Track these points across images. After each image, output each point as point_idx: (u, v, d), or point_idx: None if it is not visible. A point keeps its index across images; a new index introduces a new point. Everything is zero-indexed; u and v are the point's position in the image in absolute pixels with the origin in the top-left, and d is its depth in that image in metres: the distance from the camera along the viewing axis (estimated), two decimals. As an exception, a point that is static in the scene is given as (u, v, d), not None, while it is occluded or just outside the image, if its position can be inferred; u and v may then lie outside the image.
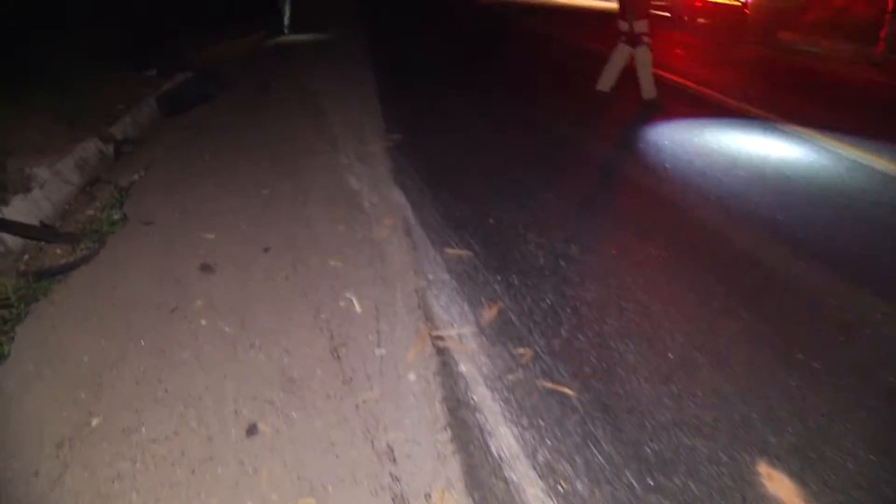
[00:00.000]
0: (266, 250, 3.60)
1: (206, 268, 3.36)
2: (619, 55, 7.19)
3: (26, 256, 3.78)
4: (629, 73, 7.13)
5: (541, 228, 3.97)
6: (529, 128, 6.32)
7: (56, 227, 4.11)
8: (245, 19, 12.25)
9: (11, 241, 3.83)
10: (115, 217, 4.11)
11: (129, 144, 5.46)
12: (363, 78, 8.33)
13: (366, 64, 9.32)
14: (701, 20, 15.84)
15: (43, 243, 3.86)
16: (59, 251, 3.83)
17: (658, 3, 17.90)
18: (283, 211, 4.16)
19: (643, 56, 7.01)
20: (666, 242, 3.84)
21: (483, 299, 3.19)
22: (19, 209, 4.04)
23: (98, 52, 7.25)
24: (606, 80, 7.34)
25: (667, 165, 5.18)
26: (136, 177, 4.77)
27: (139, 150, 5.43)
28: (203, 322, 2.93)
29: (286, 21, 12.35)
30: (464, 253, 3.63)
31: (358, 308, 3.07)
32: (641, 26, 6.94)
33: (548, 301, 3.19)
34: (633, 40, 6.99)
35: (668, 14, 17.32)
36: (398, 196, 4.40)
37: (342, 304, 3.10)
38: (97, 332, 2.84)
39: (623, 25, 7.06)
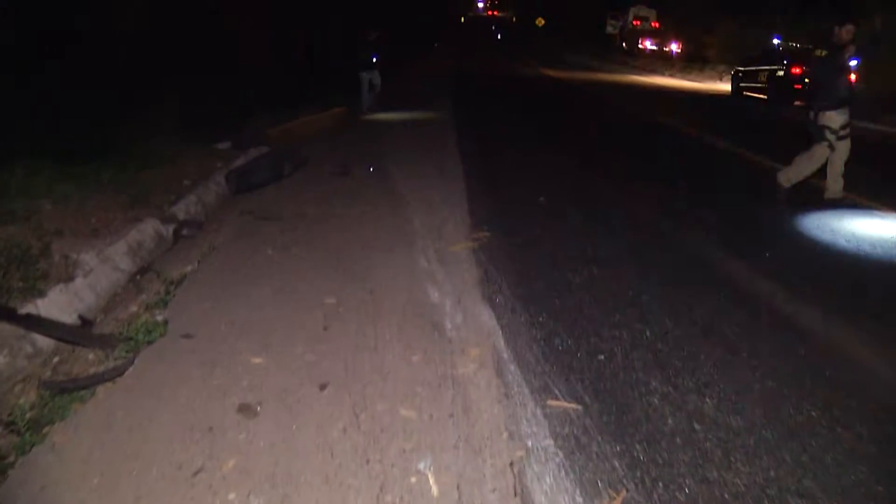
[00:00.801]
0: (323, 387, 2.88)
1: (246, 409, 2.67)
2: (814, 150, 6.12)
3: (56, 359, 3.29)
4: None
5: (664, 370, 3.14)
6: (640, 232, 5.47)
7: (93, 324, 3.61)
8: (330, 93, 12.17)
9: (42, 340, 3.32)
10: (158, 318, 3.57)
11: (190, 226, 5.01)
12: (450, 164, 7.84)
13: (454, 148, 8.87)
14: (798, 103, 15.50)
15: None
16: (91, 356, 3.31)
17: (757, 84, 17.54)
18: (348, 329, 3.48)
19: (838, 149, 6.02)
20: (826, 399, 2.92)
21: (600, 483, 2.36)
22: (56, 302, 3.57)
23: (175, 123, 7.05)
24: (791, 174, 6.25)
25: (813, 286, 4.25)
26: (188, 269, 4.25)
27: (199, 233, 4.96)
28: (231, 497, 2.21)
29: (367, 99, 12.20)
30: (571, 406, 2.82)
31: (434, 489, 2.29)
32: (828, 119, 5.93)
33: (686, 490, 2.34)
34: (816, 132, 6.00)
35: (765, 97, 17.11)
36: (487, 316, 3.66)
37: (414, 480, 2.33)
38: (95, 501, 2.17)
39: (810, 114, 6.12)
